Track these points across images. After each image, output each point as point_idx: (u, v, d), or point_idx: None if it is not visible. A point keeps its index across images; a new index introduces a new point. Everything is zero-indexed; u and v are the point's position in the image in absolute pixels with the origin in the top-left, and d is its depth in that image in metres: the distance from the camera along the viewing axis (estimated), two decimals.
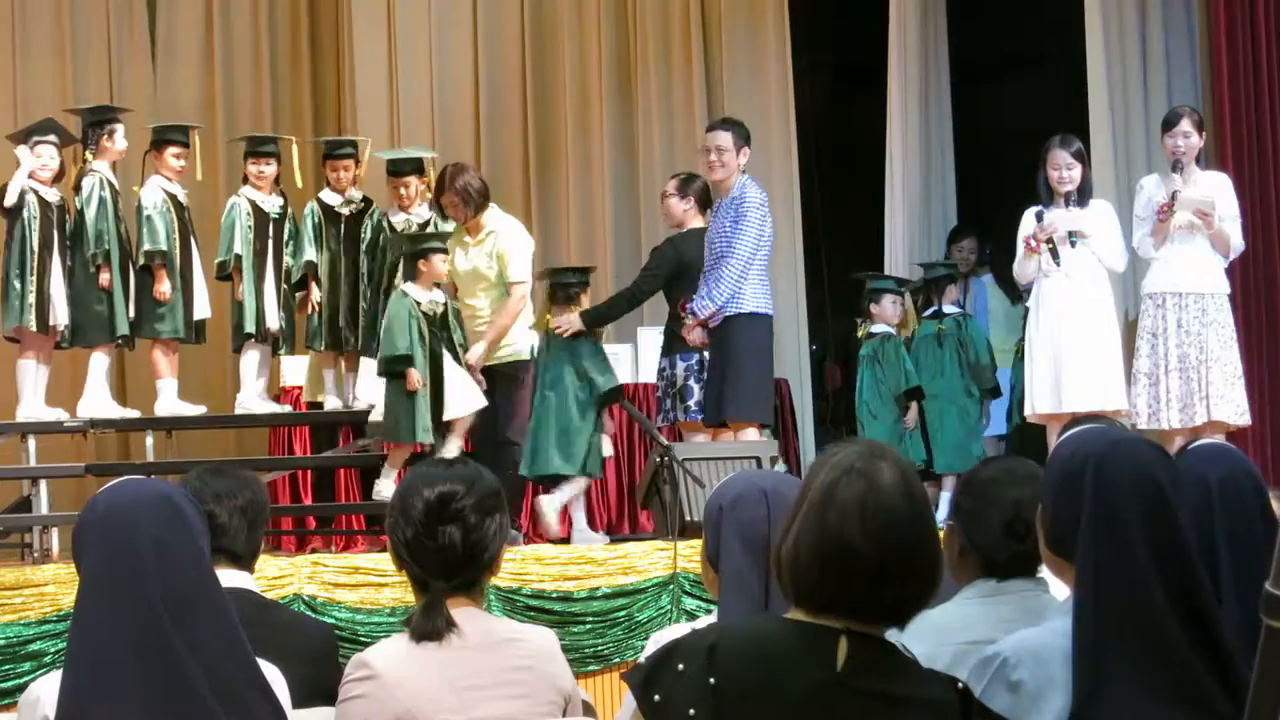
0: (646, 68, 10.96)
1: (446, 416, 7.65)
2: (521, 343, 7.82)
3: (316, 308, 8.18)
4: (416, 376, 7.54)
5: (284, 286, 8.20)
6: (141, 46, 11.16)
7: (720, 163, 7.68)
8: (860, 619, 2.35)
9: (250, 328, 8.09)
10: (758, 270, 7.60)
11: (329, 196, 8.31)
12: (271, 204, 8.22)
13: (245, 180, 8.30)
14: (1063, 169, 7.88)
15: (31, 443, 7.92)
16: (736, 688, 2.31)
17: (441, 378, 7.63)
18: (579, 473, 7.82)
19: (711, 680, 2.31)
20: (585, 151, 11.09)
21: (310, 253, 8.15)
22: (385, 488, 7.69)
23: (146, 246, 7.93)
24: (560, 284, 8.12)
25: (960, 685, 2.42)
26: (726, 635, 2.38)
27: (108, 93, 10.99)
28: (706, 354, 7.86)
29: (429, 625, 3.02)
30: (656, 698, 2.33)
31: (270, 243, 8.15)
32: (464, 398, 7.70)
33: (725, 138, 7.69)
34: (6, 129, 10.54)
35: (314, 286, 8.18)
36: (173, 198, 8.04)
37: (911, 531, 2.36)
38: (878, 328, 9.22)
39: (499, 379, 7.82)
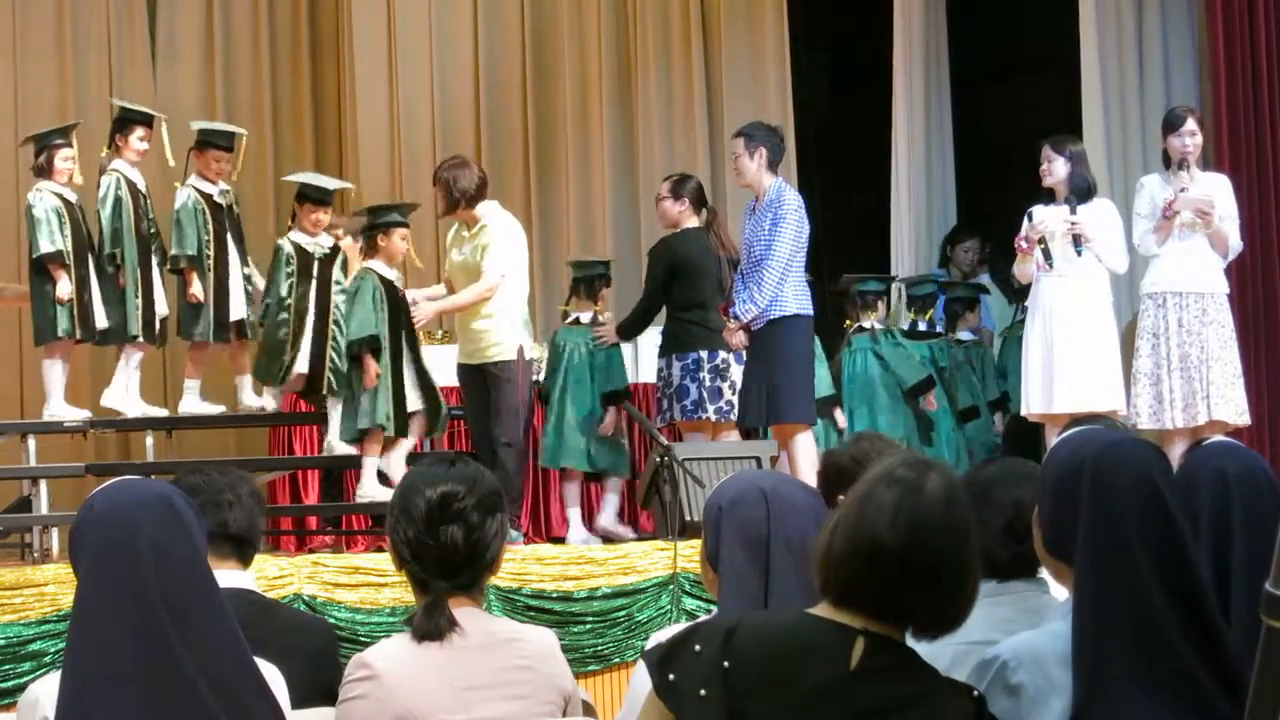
0: (646, 68, 10.97)
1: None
2: (509, 342, 7.78)
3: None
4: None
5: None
6: (141, 47, 11.17)
7: (737, 168, 7.88)
8: (880, 619, 2.38)
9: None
10: (796, 272, 7.69)
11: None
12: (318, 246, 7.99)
13: (292, 223, 8.05)
14: (1044, 163, 7.92)
15: (31, 443, 7.91)
16: (749, 674, 2.33)
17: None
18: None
19: (725, 664, 2.33)
20: (585, 151, 11.09)
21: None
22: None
23: (173, 251, 7.89)
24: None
25: (976, 694, 2.43)
26: (746, 622, 2.40)
27: (108, 93, 10.99)
28: (729, 356, 7.94)
29: (432, 625, 3.02)
30: (671, 677, 2.36)
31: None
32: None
33: (737, 144, 7.87)
34: (7, 129, 10.58)
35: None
36: (208, 198, 7.95)
37: (943, 540, 2.38)
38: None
39: (489, 379, 7.79)
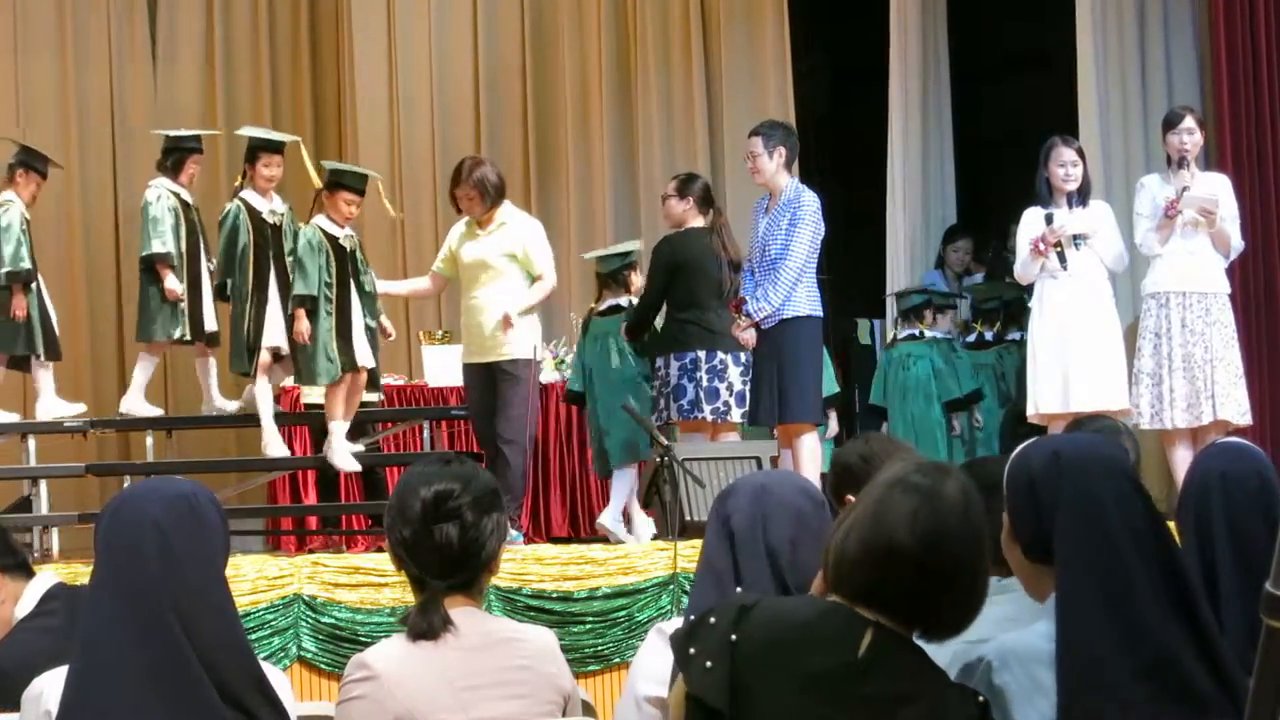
0: (646, 68, 10.97)
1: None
2: (523, 340, 7.78)
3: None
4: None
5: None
6: (141, 46, 11.18)
7: (755, 168, 7.91)
8: (892, 616, 2.39)
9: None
10: (809, 273, 7.75)
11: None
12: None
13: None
14: (1068, 165, 7.91)
15: (31, 443, 7.92)
16: (755, 650, 2.36)
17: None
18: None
19: (733, 637, 2.37)
20: (585, 151, 11.10)
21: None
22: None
23: (296, 290, 7.66)
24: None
25: (981, 700, 2.44)
26: (764, 602, 2.44)
27: (108, 93, 11.01)
28: (727, 356, 7.91)
29: (425, 624, 3.02)
30: (691, 650, 2.40)
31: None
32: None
33: (756, 143, 7.90)
34: (7, 129, 10.58)
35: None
36: (333, 241, 7.68)
37: (962, 546, 2.40)
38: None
39: (499, 376, 7.80)
